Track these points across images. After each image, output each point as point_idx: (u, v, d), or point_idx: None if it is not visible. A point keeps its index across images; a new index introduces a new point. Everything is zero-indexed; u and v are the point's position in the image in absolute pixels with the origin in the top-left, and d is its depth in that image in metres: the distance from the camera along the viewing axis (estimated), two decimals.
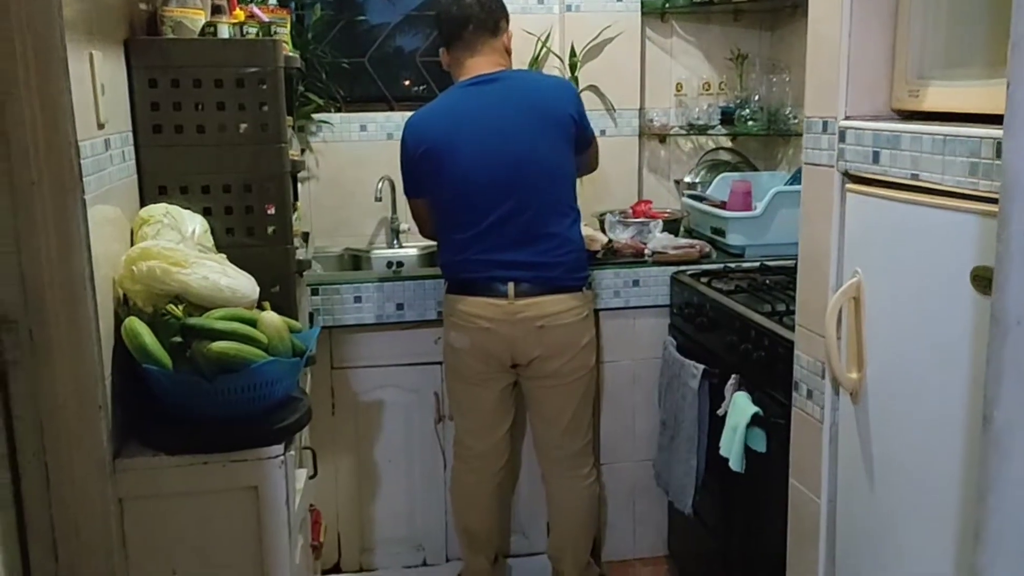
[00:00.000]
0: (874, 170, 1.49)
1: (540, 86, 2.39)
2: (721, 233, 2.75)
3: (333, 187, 2.99)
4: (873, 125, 1.50)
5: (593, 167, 2.54)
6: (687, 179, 3.17)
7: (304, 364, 1.71)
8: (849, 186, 1.57)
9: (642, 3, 3.01)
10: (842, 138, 1.58)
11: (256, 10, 2.15)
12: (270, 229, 1.92)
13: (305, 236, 2.37)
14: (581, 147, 2.36)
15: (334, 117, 2.96)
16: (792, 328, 1.86)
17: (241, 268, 1.77)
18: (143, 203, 1.81)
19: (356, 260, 2.96)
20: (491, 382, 2.34)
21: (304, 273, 2.11)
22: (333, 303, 2.50)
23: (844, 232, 1.60)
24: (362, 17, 2.92)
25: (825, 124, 1.65)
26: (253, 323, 1.62)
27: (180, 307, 1.60)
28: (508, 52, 2.36)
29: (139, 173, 1.82)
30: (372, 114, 3.00)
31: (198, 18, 1.88)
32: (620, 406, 2.69)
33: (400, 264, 2.89)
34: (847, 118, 1.58)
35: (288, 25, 2.21)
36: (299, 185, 2.85)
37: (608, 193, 3.02)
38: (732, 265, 2.63)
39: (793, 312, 1.88)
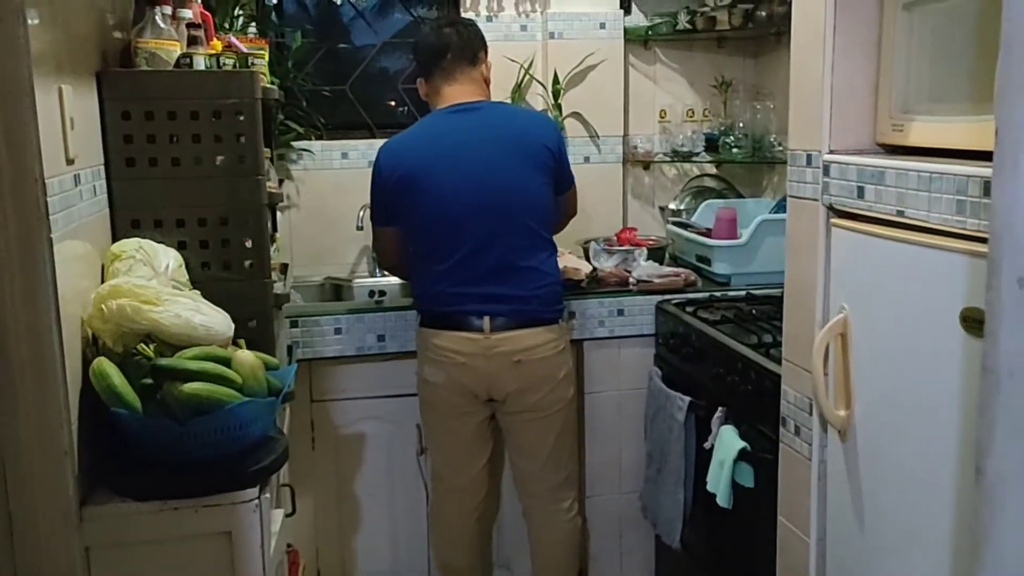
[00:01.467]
0: (859, 205, 1.46)
1: (519, 117, 2.38)
2: (707, 261, 2.73)
3: (314, 216, 2.96)
4: (857, 160, 1.47)
5: (570, 214, 2.49)
6: (672, 206, 3.15)
7: (281, 402, 1.67)
8: (834, 220, 1.55)
9: (625, 30, 3.00)
10: (826, 172, 1.56)
11: (234, 40, 2.13)
12: (247, 263, 1.88)
13: (284, 268, 2.33)
14: (560, 187, 2.33)
15: (315, 145, 2.94)
16: (779, 361, 1.84)
17: (217, 303, 1.73)
18: (115, 238, 1.77)
19: (337, 290, 2.92)
20: (467, 416, 2.30)
21: (283, 306, 2.07)
22: (312, 335, 2.45)
23: (830, 267, 1.58)
24: (343, 44, 2.89)
25: (809, 157, 1.63)
26: (227, 362, 1.58)
27: (151, 347, 1.55)
28: (487, 83, 2.34)
29: (111, 207, 1.77)
30: (353, 141, 2.97)
31: (173, 49, 1.85)
32: (605, 438, 2.65)
33: (383, 293, 2.85)
34: (831, 152, 1.56)
35: (267, 55, 2.18)
36: (279, 214, 2.82)
37: (592, 221, 2.99)
38: (718, 294, 2.61)
39: (780, 344, 1.86)
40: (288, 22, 2.97)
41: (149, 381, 1.50)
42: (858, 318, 1.49)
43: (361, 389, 2.53)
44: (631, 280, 2.68)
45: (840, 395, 1.54)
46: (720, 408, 2.13)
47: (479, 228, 2.18)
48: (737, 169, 3.17)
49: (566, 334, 2.34)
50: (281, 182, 2.85)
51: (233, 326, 1.69)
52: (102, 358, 1.50)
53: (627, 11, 3.02)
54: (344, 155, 2.96)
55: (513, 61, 2.95)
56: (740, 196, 3.16)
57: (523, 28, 3.01)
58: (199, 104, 1.80)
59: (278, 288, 1.97)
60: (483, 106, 2.28)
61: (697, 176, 3.18)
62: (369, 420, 2.56)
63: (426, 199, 2.19)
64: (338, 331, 2.47)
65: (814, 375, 1.57)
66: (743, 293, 2.59)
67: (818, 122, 1.59)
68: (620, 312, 2.60)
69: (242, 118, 1.83)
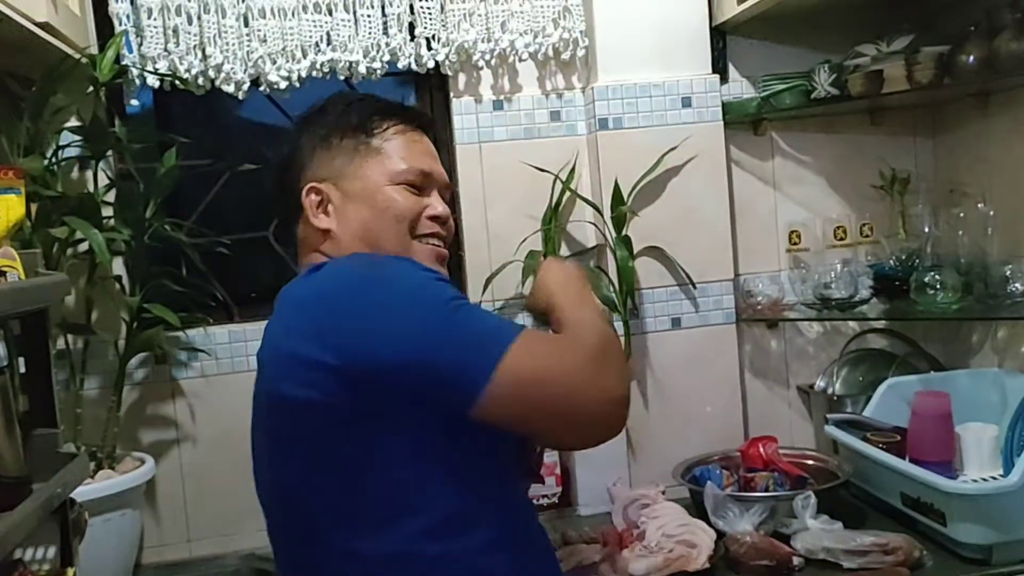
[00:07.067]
0: None
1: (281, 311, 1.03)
2: (931, 511, 1.45)
3: (220, 452, 1.74)
4: None
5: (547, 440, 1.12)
6: (819, 385, 1.90)
7: None
8: None
9: (723, 107, 1.82)
10: None
11: None
12: None
13: None
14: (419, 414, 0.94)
15: (217, 333, 1.74)
16: None
17: None
18: None
19: None
20: None
21: None
22: None
23: None
24: (251, 165, 1.68)
25: None
26: None
27: None
28: (320, 230, 1.10)
29: None
30: None
31: None
32: None
33: None
34: None
35: (9, 205, 1.01)
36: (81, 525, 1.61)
37: (691, 423, 1.74)
38: None
39: None
40: (172, 132, 1.77)
41: None
42: None
43: None
44: (795, 561, 1.42)
45: None
46: None
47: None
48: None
49: None
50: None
51: None
52: None
53: (723, 77, 1.85)
54: None
55: (542, 171, 1.78)
56: (937, 365, 1.90)
57: (555, 116, 1.84)
58: None
59: None
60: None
61: (858, 334, 1.94)
62: None
63: None
64: None
65: None
66: None
67: None
68: None
69: None
